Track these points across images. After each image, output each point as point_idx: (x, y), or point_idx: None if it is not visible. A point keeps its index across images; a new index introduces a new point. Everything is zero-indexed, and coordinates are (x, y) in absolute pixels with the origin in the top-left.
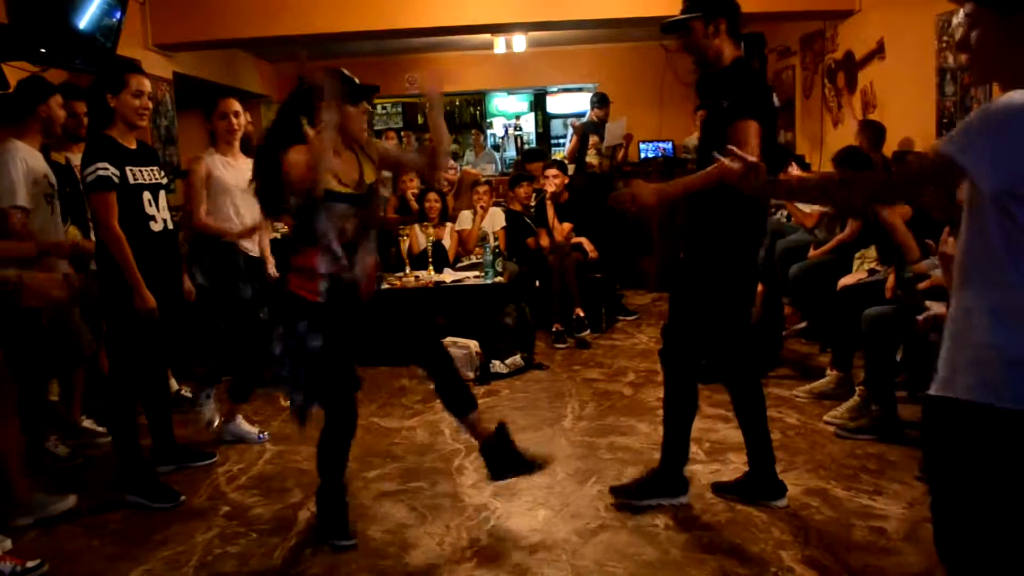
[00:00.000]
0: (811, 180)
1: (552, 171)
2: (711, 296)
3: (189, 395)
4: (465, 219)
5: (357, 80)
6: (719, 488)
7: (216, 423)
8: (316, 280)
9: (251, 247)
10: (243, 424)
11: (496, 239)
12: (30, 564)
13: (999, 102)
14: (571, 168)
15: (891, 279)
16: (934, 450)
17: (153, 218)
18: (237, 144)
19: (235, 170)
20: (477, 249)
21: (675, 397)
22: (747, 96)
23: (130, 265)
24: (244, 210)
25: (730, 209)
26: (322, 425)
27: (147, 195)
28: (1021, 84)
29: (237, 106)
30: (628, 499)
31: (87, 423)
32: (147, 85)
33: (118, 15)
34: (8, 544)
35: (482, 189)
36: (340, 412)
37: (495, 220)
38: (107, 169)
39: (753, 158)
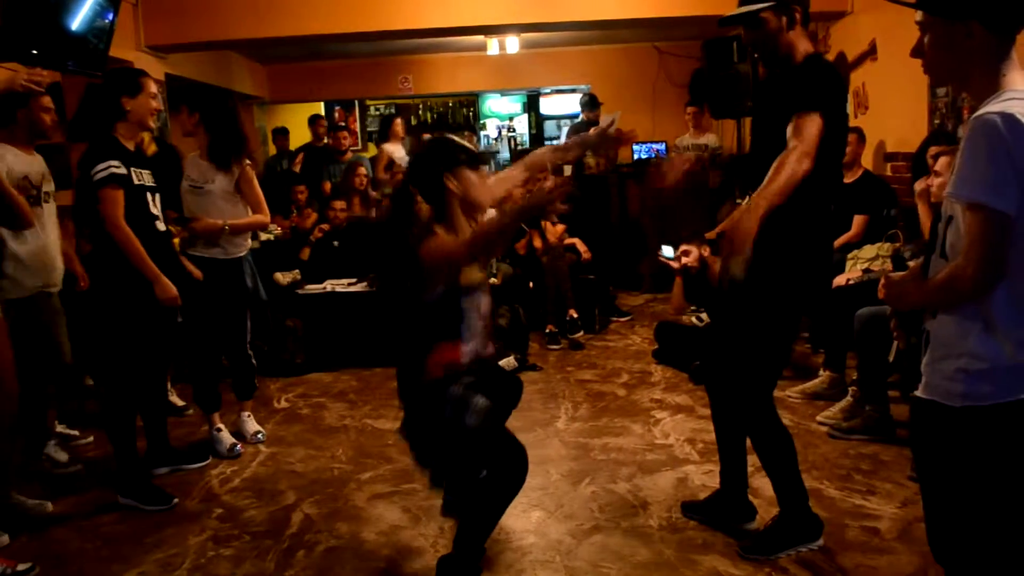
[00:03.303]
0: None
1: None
2: (765, 316)
3: (181, 404)
4: None
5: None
6: (688, 508)
7: (239, 445)
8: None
9: (231, 248)
10: (224, 434)
11: None
12: (21, 567)
13: (990, 126)
14: (568, 170)
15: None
16: (924, 451)
17: (157, 218)
18: (201, 143)
19: (196, 168)
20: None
21: (766, 439)
22: (817, 90)
23: (144, 259)
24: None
25: (798, 232)
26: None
27: (149, 196)
28: (973, 86)
29: (180, 103)
30: (759, 555)
31: (60, 428)
32: (155, 87)
33: (110, 16)
34: (5, 539)
35: None
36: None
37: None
38: (119, 167)
39: None
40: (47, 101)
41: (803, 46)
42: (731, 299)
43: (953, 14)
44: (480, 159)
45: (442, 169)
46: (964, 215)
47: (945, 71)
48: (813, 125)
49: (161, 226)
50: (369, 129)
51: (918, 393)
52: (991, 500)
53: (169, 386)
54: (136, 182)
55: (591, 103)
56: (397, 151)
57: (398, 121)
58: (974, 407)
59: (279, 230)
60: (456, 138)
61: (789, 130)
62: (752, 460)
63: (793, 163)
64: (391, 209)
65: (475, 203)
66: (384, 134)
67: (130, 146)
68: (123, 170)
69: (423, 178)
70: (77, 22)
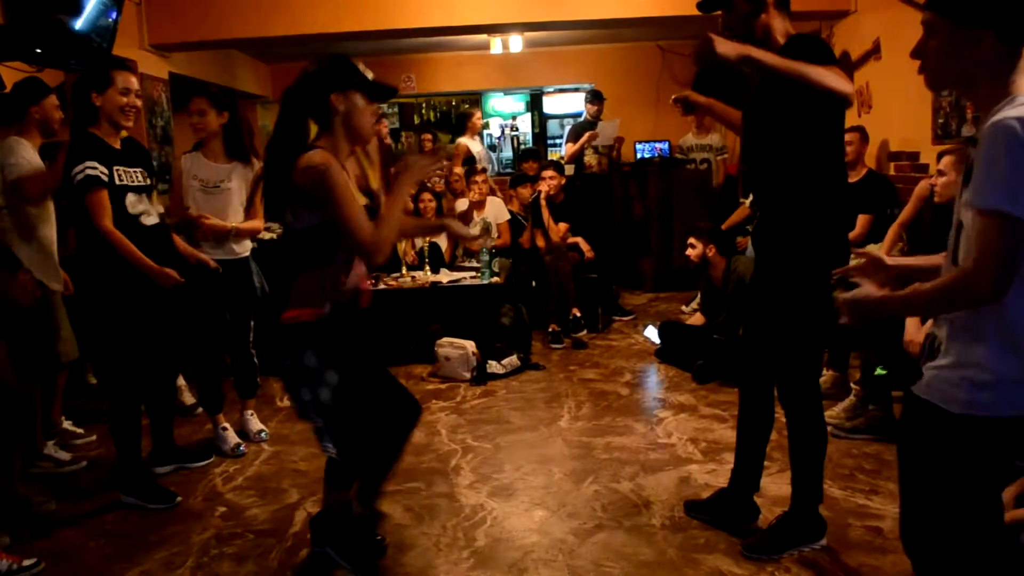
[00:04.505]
0: (909, 302)
1: (548, 172)
2: (792, 311)
3: (191, 402)
4: (462, 204)
5: (371, 75)
6: (692, 507)
7: (243, 444)
8: (319, 306)
9: (238, 249)
10: (228, 432)
11: (498, 235)
12: (27, 562)
13: (1009, 131)
14: (571, 169)
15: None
16: (912, 449)
17: (143, 214)
18: (213, 143)
19: (206, 168)
20: (476, 244)
21: (809, 431)
22: (821, 53)
23: (137, 256)
24: (206, 210)
25: (812, 223)
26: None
27: (131, 196)
28: (981, 92)
29: (201, 104)
30: (763, 554)
31: (67, 424)
32: (134, 83)
33: (114, 15)
34: (6, 540)
35: (480, 178)
36: (383, 443)
37: (499, 212)
38: (96, 168)
39: None
40: (54, 99)
41: (781, 27)
42: (745, 298)
43: (967, 20)
44: (379, 91)
45: (331, 88)
46: (976, 220)
47: (948, 77)
48: (832, 69)
49: (148, 221)
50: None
51: (916, 391)
52: (970, 508)
53: (184, 383)
54: (117, 182)
55: (595, 97)
56: (475, 145)
57: (477, 114)
58: (973, 416)
59: (282, 230)
60: (356, 62)
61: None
62: None
63: (833, 73)
64: (278, 130)
65: (359, 133)
66: (461, 127)
67: (114, 143)
68: (100, 170)
69: (308, 94)
70: (81, 21)
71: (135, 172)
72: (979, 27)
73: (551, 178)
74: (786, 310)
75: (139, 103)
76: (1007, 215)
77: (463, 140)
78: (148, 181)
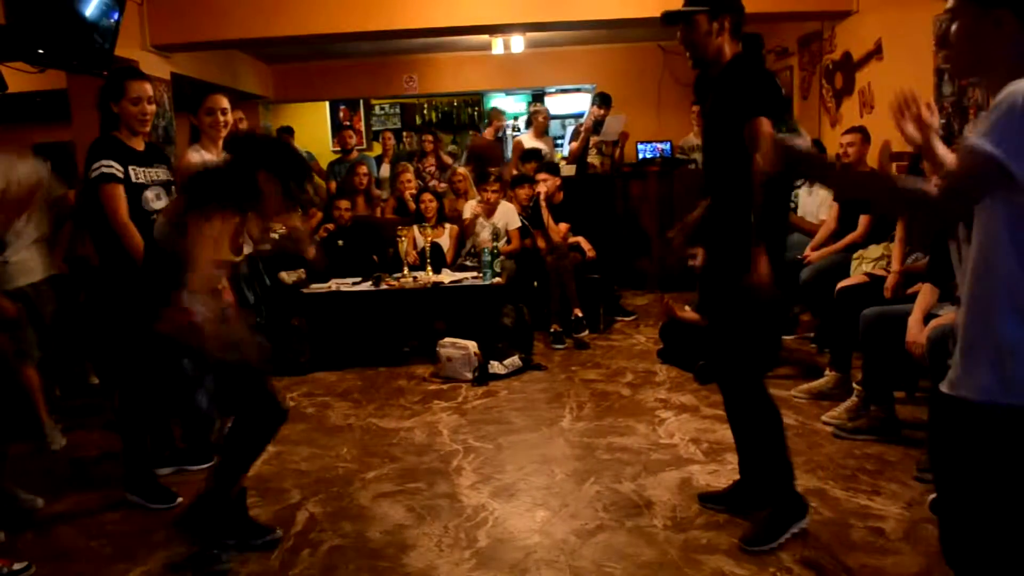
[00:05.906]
0: (858, 173)
1: (541, 175)
2: (737, 300)
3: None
4: (469, 208)
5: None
6: (707, 499)
7: None
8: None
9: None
10: None
11: (508, 240)
12: (17, 566)
13: None
14: (572, 169)
15: (890, 279)
16: (945, 451)
17: (157, 212)
18: (221, 143)
19: None
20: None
21: (753, 410)
22: (759, 92)
23: (138, 250)
24: None
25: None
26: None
27: (150, 193)
28: (1001, 77)
29: (225, 103)
30: (762, 545)
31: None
32: (147, 90)
33: (116, 16)
34: (1, 536)
35: (492, 187)
36: (252, 417)
37: (510, 218)
38: (111, 166)
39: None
40: None
41: (730, 50)
42: (710, 292)
43: (988, 1)
44: (301, 176)
45: (261, 166)
46: (964, 150)
47: (970, 62)
48: (768, 127)
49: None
50: (374, 128)
51: (943, 388)
52: (1011, 500)
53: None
54: (134, 180)
55: (603, 101)
56: (528, 141)
57: (543, 111)
58: (996, 404)
59: (284, 229)
60: (299, 151)
61: (749, 133)
62: None
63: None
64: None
65: (267, 213)
66: (527, 124)
67: (136, 145)
68: (115, 168)
69: (241, 164)
70: (90, 9)
71: (155, 171)
72: (997, 6)
73: (544, 180)
74: (726, 298)
75: (151, 109)
76: (993, 156)
77: (523, 137)
78: (169, 178)
